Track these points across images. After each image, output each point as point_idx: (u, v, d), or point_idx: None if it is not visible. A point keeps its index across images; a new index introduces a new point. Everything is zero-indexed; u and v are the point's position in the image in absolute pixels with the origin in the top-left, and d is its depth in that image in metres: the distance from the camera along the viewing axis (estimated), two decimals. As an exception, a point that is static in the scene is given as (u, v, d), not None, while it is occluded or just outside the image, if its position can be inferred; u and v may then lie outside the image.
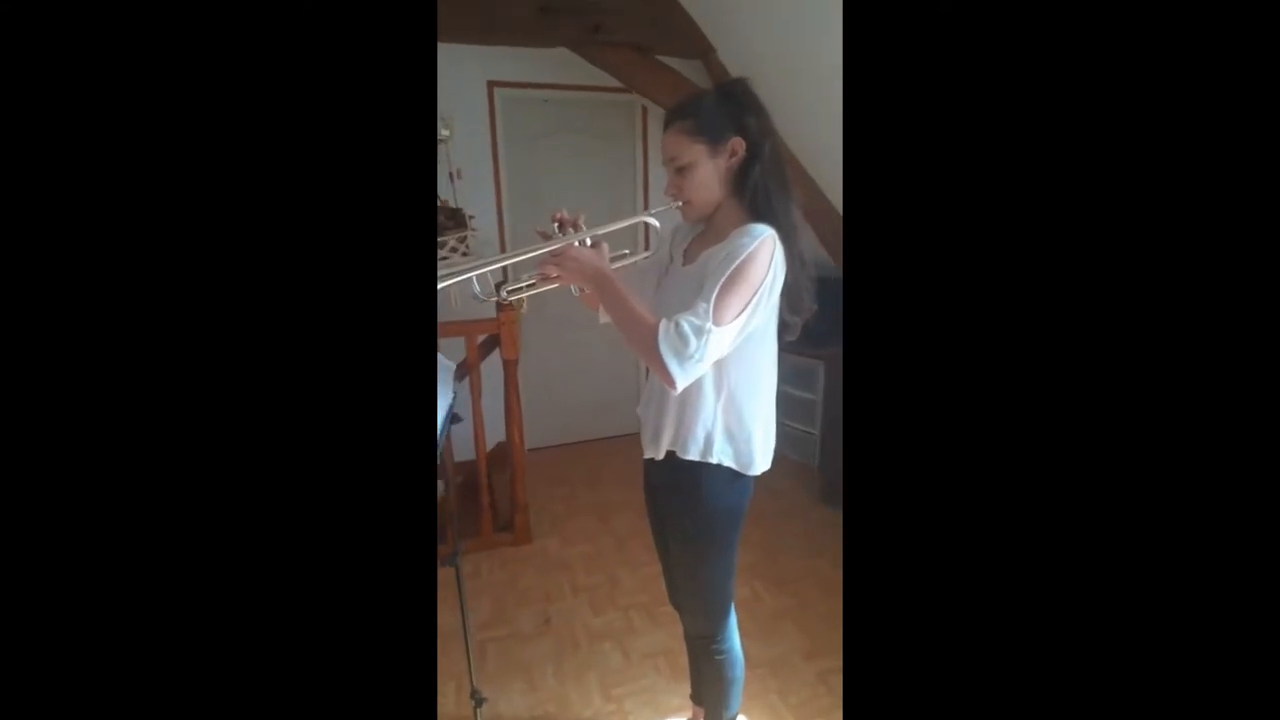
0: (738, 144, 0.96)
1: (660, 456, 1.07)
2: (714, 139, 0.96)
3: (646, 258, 1.08)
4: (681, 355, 0.87)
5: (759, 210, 0.97)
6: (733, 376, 1.00)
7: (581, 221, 0.99)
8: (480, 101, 2.70)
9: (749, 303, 0.91)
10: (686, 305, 0.90)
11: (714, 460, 1.01)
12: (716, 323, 0.88)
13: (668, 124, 0.99)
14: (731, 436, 1.02)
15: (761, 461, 1.05)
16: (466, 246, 1.84)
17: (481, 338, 2.29)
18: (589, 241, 0.99)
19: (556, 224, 0.98)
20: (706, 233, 1.05)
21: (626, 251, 1.05)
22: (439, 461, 1.15)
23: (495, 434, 2.52)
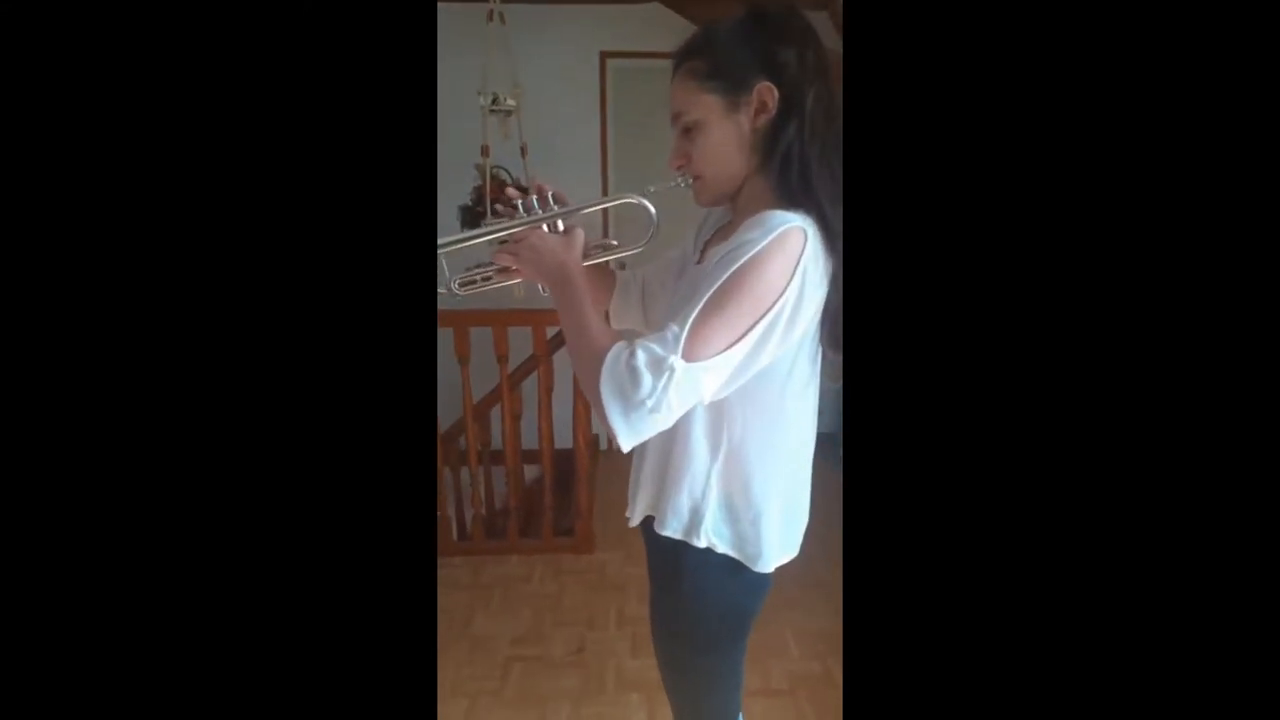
0: (766, 92, 0.65)
1: (635, 522, 0.79)
2: (733, 86, 0.66)
3: (640, 250, 0.79)
4: (628, 400, 0.59)
5: (791, 190, 0.65)
6: (738, 428, 0.69)
7: (550, 197, 0.73)
8: (588, 71, 2.51)
9: (752, 327, 0.61)
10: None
11: (701, 543, 0.71)
12: (689, 356, 0.59)
13: (675, 65, 0.70)
14: (732, 514, 0.72)
15: (777, 552, 0.73)
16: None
17: (553, 330, 2.12)
18: (560, 225, 0.74)
19: (519, 198, 0.73)
20: (734, 221, 0.75)
21: (614, 243, 0.78)
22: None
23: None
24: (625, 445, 0.61)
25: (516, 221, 0.73)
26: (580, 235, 0.72)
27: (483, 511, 2.23)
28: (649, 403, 0.58)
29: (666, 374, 0.58)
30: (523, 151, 1.62)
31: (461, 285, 0.79)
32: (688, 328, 0.59)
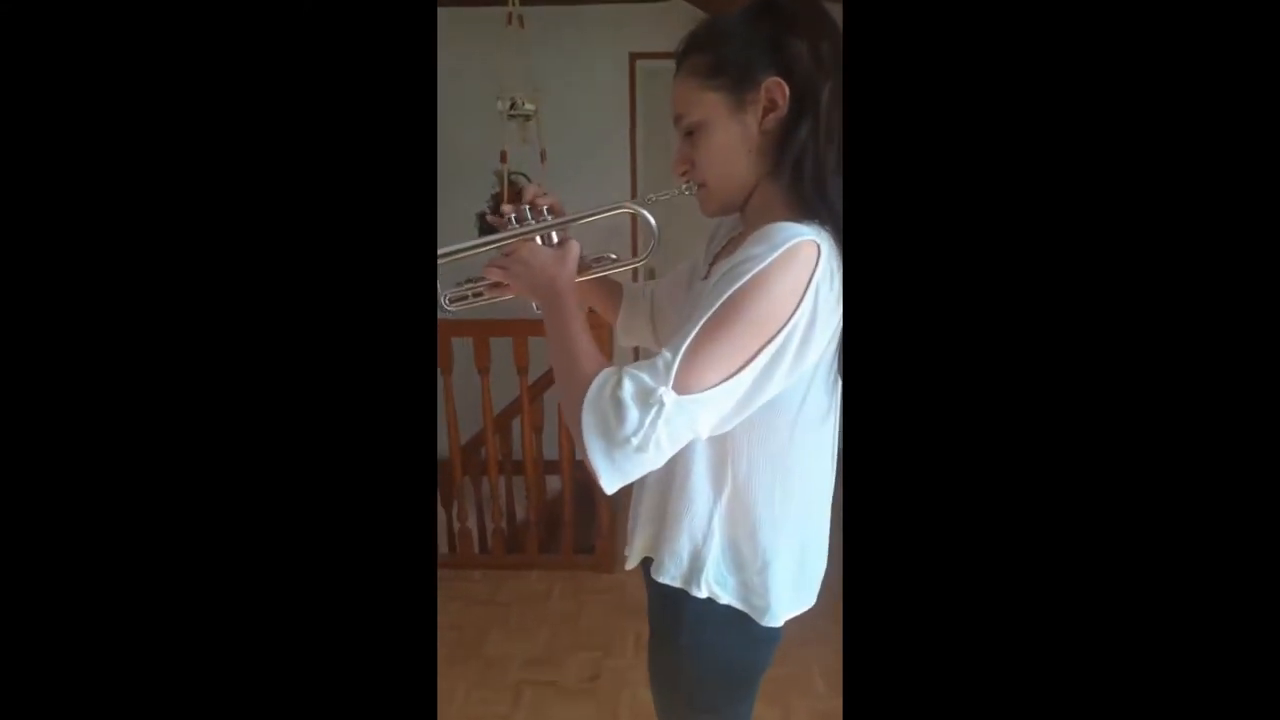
0: (775, 88, 0.57)
1: (632, 564, 0.72)
2: (739, 82, 0.58)
3: (641, 264, 0.72)
4: (611, 436, 0.52)
5: (804, 198, 0.57)
6: (743, 466, 0.61)
7: (545, 207, 0.67)
8: (617, 74, 2.46)
9: (755, 355, 0.53)
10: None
11: (701, 593, 0.64)
12: (682, 388, 0.52)
13: (678, 62, 0.63)
14: (737, 561, 0.64)
15: (789, 604, 0.65)
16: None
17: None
18: (555, 237, 0.67)
19: (512, 210, 0.67)
20: (743, 232, 0.68)
21: (613, 256, 0.71)
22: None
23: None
24: (608, 487, 0.54)
25: (511, 233, 0.67)
26: (574, 248, 0.66)
27: (503, 525, 2.18)
28: (634, 440, 0.51)
29: (655, 408, 0.51)
30: (542, 157, 1.58)
31: (452, 301, 0.73)
32: (680, 355, 0.52)
